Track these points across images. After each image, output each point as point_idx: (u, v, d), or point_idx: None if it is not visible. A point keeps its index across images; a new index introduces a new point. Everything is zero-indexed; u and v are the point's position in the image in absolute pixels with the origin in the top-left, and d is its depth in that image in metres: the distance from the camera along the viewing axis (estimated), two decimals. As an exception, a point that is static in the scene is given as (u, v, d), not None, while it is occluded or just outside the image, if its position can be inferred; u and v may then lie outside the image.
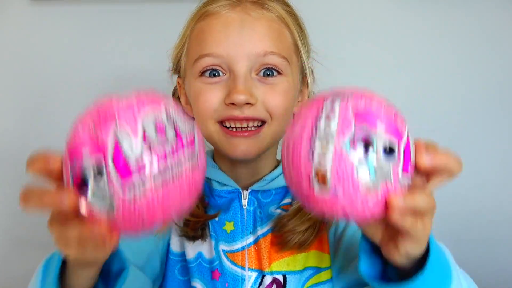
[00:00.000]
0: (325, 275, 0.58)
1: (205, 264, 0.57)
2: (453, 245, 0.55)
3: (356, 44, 0.92)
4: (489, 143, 0.94)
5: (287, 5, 0.58)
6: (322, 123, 0.28)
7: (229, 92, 0.52)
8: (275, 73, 0.53)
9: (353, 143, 0.28)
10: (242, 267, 0.56)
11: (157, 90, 0.31)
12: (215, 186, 0.60)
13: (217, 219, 0.57)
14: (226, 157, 0.58)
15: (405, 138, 0.30)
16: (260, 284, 0.56)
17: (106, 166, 0.26)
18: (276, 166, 0.61)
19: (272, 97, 0.53)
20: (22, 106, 0.99)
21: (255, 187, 0.59)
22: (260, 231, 0.57)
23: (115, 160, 0.26)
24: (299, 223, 0.55)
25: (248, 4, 0.54)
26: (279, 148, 0.59)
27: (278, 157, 0.63)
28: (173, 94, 0.62)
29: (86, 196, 0.28)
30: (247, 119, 0.53)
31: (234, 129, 0.53)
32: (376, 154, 0.28)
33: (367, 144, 0.28)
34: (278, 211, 0.59)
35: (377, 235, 0.38)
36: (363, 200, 0.28)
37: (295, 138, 0.31)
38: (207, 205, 0.59)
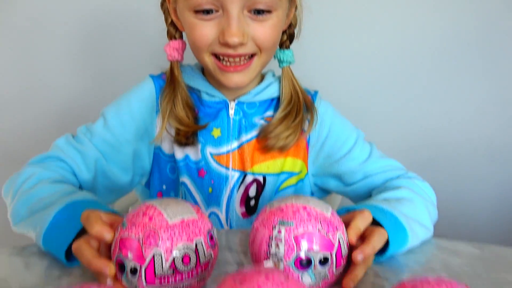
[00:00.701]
0: (295, 179, 0.67)
1: (191, 165, 0.64)
2: (421, 175, 0.64)
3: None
4: (460, 82, 1.00)
5: None
6: (273, 248, 0.40)
7: (223, 31, 0.55)
8: (265, 12, 0.56)
9: (297, 262, 0.40)
10: (227, 168, 0.63)
11: None
12: (204, 97, 0.65)
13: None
14: None
15: (336, 245, 0.41)
16: (242, 182, 0.64)
17: (139, 271, 0.37)
18: (260, 81, 0.67)
19: (262, 33, 0.57)
20: (15, 40, 1.00)
21: (242, 99, 0.65)
22: (245, 137, 0.64)
23: (147, 271, 0.37)
24: (283, 130, 0.62)
25: None
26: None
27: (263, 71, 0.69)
28: (162, 6, 0.64)
29: (120, 276, 0.39)
30: (240, 55, 0.57)
31: (228, 63, 0.58)
32: (314, 266, 0.40)
33: (307, 261, 0.39)
34: (261, 121, 0.65)
35: None
36: None
37: (255, 254, 0.42)
38: (197, 116, 0.64)
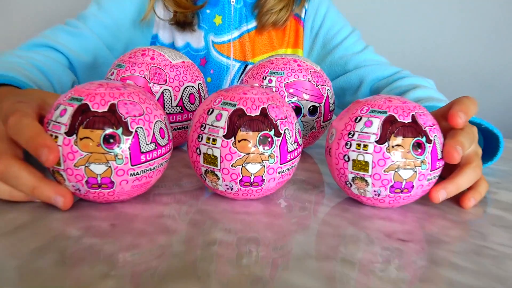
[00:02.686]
0: None
1: (192, 52, 0.62)
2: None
3: None
4: (447, 9, 1.01)
5: None
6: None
7: None
8: None
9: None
10: (228, 57, 0.62)
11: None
12: (205, -17, 0.62)
13: (208, 11, 0.61)
14: None
15: (325, 97, 0.40)
16: (243, 72, 0.63)
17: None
18: None
19: None
20: None
21: None
22: (245, 27, 0.62)
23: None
24: (275, 4, 0.62)
25: None
26: None
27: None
28: None
29: None
30: None
31: None
32: (303, 115, 0.40)
33: (298, 108, 0.39)
34: None
35: None
36: None
37: None
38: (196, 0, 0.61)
